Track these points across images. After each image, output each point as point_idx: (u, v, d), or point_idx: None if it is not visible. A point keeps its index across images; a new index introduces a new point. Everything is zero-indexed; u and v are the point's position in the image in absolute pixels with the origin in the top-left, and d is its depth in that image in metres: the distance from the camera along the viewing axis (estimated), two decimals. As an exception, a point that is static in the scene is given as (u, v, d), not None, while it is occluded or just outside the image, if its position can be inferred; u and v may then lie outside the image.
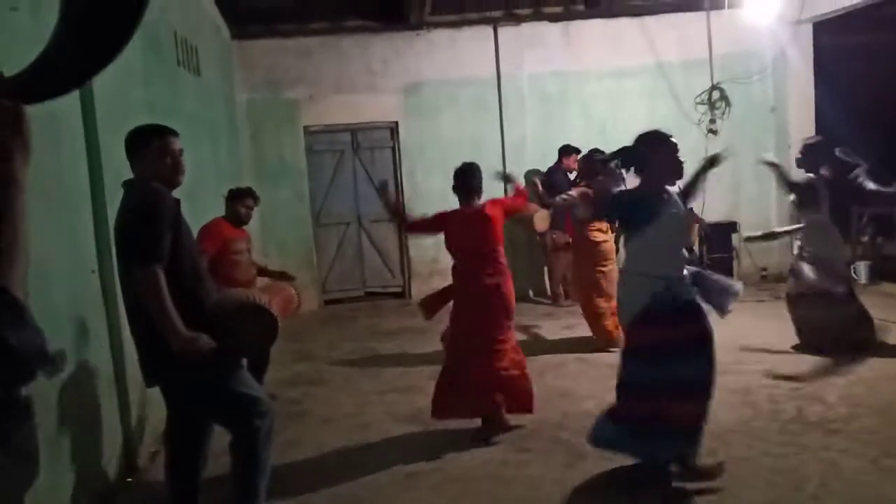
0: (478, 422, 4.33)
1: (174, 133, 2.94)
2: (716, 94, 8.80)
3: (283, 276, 5.15)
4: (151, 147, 2.87)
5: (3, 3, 2.95)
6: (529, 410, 4.40)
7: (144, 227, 2.71)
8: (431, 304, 4.57)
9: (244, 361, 3.18)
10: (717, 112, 8.81)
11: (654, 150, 3.66)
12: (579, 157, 8.05)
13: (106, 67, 0.99)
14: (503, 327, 4.35)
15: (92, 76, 1.00)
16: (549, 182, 6.92)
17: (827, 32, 8.72)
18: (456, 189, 4.45)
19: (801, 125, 8.58)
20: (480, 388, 4.24)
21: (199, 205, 5.07)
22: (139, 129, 2.93)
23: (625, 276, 3.63)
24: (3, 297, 0.75)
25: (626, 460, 3.63)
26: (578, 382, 5.22)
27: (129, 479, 3.84)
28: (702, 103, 8.85)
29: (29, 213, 0.83)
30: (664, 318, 3.37)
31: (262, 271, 5.25)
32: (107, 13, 0.94)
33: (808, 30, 8.57)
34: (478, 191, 4.43)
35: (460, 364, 4.28)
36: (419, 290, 8.81)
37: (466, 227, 4.34)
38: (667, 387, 3.35)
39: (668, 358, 3.35)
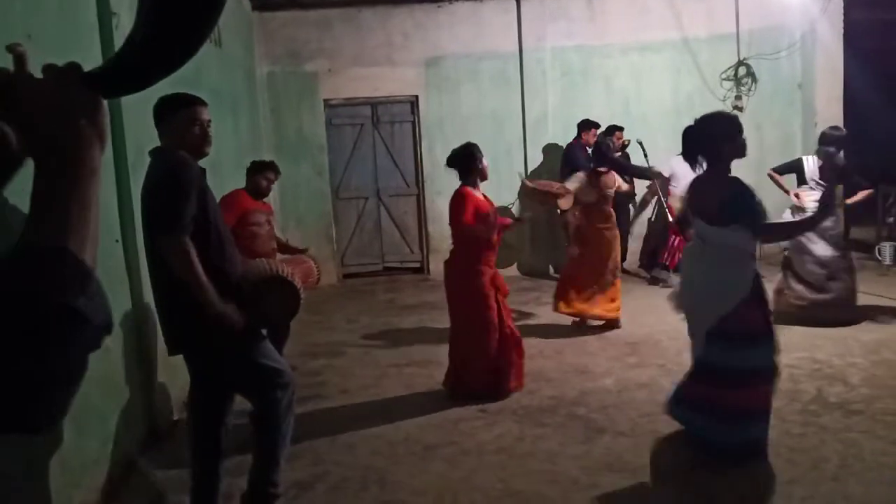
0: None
1: (203, 103, 2.93)
2: (742, 70, 8.66)
3: (302, 253, 5.18)
4: (180, 116, 2.85)
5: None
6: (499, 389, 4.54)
7: (171, 198, 2.71)
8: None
9: (265, 332, 3.21)
10: (743, 88, 8.67)
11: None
12: (598, 132, 8.00)
13: (189, 59, 0.99)
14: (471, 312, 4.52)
15: (173, 70, 0.99)
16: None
17: (858, 7, 8.49)
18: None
19: (829, 102, 8.41)
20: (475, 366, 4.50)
21: (218, 177, 5.08)
22: (168, 98, 2.92)
23: (734, 258, 3.34)
24: (77, 266, 0.79)
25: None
26: (596, 359, 5.22)
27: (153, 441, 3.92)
28: (728, 79, 8.71)
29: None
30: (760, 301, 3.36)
31: (282, 247, 5.26)
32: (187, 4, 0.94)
33: (838, 4, 8.35)
34: (463, 172, 4.59)
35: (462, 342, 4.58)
36: (438, 266, 8.82)
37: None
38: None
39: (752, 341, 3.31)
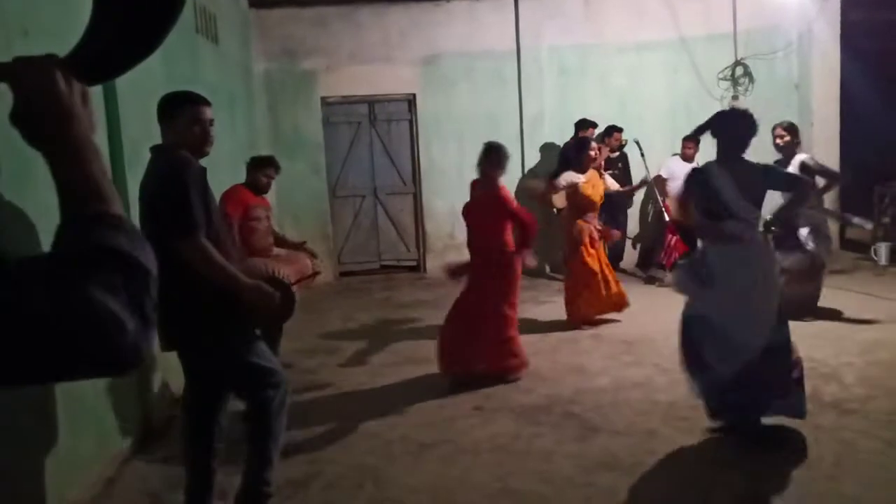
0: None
1: (207, 102, 2.92)
2: (739, 70, 8.66)
3: (301, 247, 5.18)
4: (183, 114, 2.84)
5: None
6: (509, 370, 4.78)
7: (180, 201, 2.69)
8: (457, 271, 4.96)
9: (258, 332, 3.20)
10: (739, 88, 8.67)
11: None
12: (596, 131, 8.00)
13: (152, 52, 1.07)
14: (502, 299, 4.72)
15: (138, 61, 1.07)
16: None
17: (856, 7, 8.50)
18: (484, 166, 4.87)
19: (826, 103, 8.43)
20: (475, 347, 4.70)
21: (215, 175, 5.05)
22: (173, 95, 2.91)
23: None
24: (122, 222, 0.90)
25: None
26: (592, 358, 5.22)
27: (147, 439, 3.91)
28: (724, 79, 8.71)
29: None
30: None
31: (281, 241, 5.26)
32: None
33: (835, 4, 8.36)
34: (493, 169, 4.83)
35: (459, 325, 4.73)
36: (434, 265, 8.83)
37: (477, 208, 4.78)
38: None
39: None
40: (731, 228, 3.61)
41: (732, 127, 3.74)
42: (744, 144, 3.71)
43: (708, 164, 3.81)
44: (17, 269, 0.79)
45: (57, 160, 0.92)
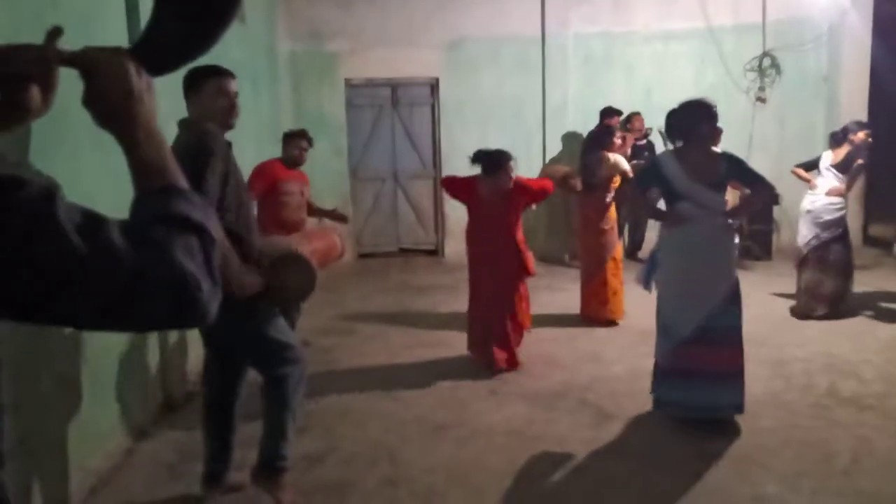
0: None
1: (231, 74, 2.93)
2: (766, 62, 8.55)
3: (336, 215, 5.24)
4: (208, 86, 2.85)
5: None
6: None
7: (198, 170, 2.69)
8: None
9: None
10: (766, 80, 8.56)
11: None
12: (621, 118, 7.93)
13: (209, 48, 1.17)
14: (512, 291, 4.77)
15: (197, 56, 1.17)
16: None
17: (889, 0, 8.33)
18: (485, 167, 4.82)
19: (854, 96, 8.29)
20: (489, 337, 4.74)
21: (238, 153, 5.09)
22: (197, 68, 2.90)
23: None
24: (189, 194, 0.99)
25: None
26: (608, 347, 5.21)
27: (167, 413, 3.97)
28: (751, 70, 8.60)
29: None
30: None
31: (315, 210, 5.32)
32: None
33: (868, -4, 8.22)
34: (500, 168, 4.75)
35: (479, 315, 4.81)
36: (453, 249, 8.84)
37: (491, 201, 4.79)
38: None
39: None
40: (685, 210, 3.77)
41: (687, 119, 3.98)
42: (695, 134, 3.90)
43: (659, 155, 3.98)
44: (108, 228, 0.87)
45: (128, 141, 1.01)
